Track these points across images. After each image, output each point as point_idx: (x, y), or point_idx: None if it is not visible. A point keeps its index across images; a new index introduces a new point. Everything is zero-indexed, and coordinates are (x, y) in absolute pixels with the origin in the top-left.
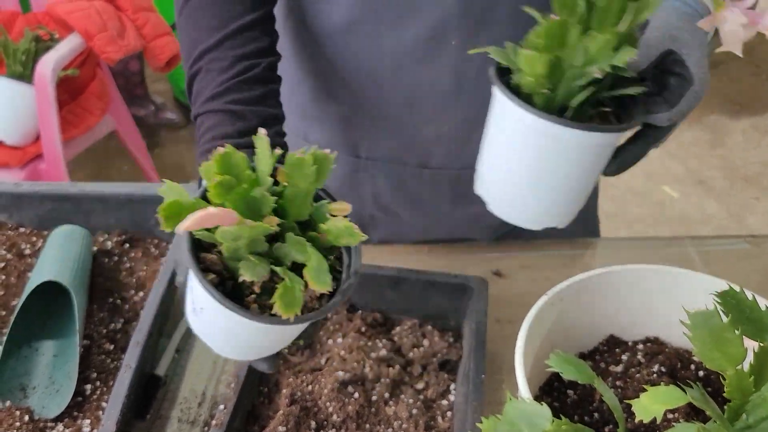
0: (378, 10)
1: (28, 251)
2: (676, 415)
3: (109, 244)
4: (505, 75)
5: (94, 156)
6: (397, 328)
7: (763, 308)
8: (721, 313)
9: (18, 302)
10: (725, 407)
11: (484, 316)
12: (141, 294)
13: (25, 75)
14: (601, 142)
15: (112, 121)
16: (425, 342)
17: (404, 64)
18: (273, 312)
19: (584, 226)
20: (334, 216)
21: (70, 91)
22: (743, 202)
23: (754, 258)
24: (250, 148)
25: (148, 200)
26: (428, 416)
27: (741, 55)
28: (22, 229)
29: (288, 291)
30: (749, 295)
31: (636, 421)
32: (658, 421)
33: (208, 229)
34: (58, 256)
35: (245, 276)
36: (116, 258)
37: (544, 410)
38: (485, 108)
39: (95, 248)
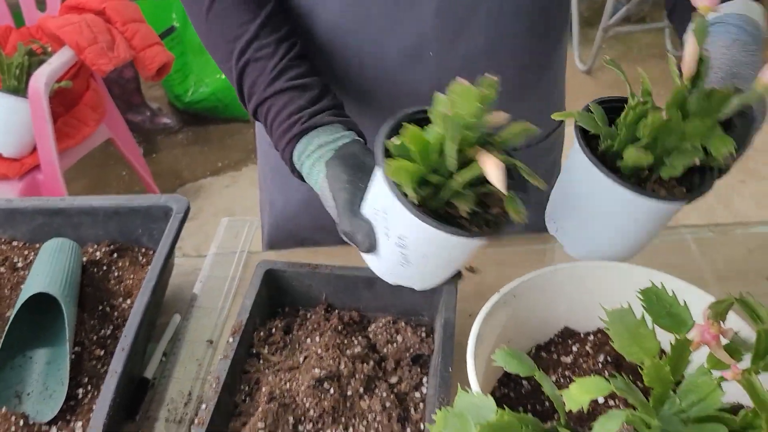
0: (360, 23)
1: (20, 264)
2: (617, 401)
3: (98, 254)
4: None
5: (93, 163)
6: (372, 326)
7: (682, 304)
8: (642, 308)
9: (11, 313)
10: (649, 395)
11: (452, 312)
12: (129, 301)
13: (20, 89)
14: (679, 207)
15: (107, 131)
16: (399, 338)
17: (385, 73)
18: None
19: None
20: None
21: (65, 102)
22: (730, 184)
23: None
24: (325, 111)
25: (134, 212)
26: (401, 409)
27: None
28: (14, 243)
29: (512, 200)
30: (670, 291)
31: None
32: (585, 410)
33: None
34: (49, 269)
35: (463, 207)
36: (105, 268)
37: (490, 402)
38: None
39: (85, 259)
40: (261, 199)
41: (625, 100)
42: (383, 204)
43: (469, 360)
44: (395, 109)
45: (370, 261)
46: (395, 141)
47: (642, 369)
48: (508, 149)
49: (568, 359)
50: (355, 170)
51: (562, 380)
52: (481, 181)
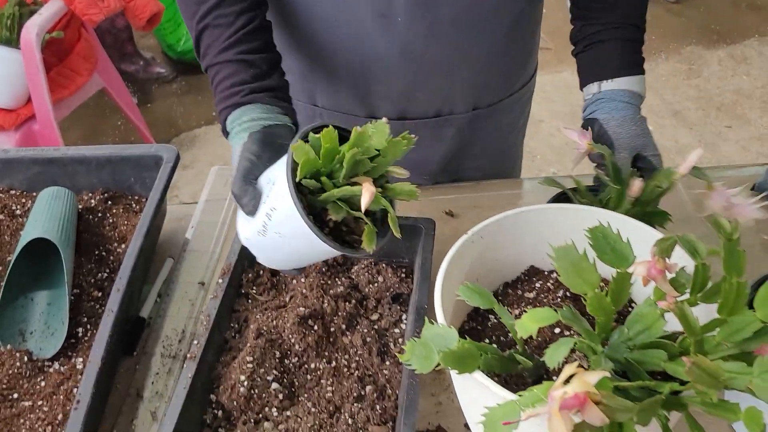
0: None
1: (18, 211)
2: (572, 332)
3: (92, 202)
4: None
5: (89, 113)
6: (355, 267)
7: (625, 241)
8: (588, 246)
9: (11, 258)
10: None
11: (430, 254)
12: (123, 246)
13: (12, 39)
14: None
15: (101, 80)
16: (380, 278)
17: (358, 35)
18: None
19: (512, 167)
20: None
21: (57, 53)
22: (716, 130)
23: None
24: (265, 91)
25: (126, 161)
26: (381, 343)
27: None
28: (12, 192)
29: (370, 232)
30: (615, 229)
31: (522, 337)
32: (535, 337)
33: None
34: (46, 216)
35: (333, 216)
36: (100, 215)
37: (453, 333)
38: (427, 73)
39: (80, 206)
40: None
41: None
42: (275, 174)
43: (436, 295)
44: (366, 73)
45: (241, 222)
46: (317, 135)
47: (585, 300)
48: (390, 198)
49: (531, 295)
50: (268, 148)
51: (524, 312)
52: (357, 208)
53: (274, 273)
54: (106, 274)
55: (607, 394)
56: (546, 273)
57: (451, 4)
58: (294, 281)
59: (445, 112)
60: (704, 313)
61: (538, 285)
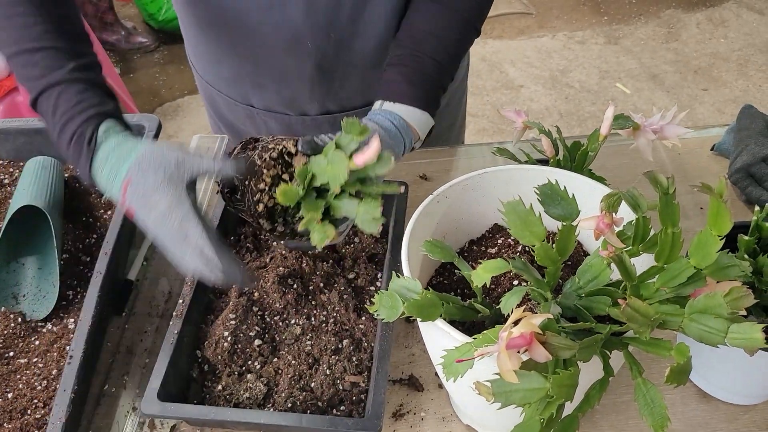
0: (241, 20)
1: (6, 181)
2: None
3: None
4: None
5: None
6: None
7: (570, 196)
8: (536, 201)
9: (2, 226)
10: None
11: (403, 215)
12: (110, 212)
13: None
14: None
15: None
16: (356, 239)
17: (276, 53)
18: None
19: (457, 134)
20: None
21: None
22: (693, 93)
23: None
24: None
25: None
26: (357, 300)
27: (651, 159)
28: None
29: (321, 231)
30: (561, 186)
31: (480, 287)
32: (488, 285)
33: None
34: (34, 184)
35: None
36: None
37: (417, 284)
38: (341, 80)
39: (66, 175)
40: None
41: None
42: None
43: (403, 250)
44: (289, 83)
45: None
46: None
47: (533, 251)
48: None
49: (494, 250)
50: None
51: None
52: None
53: (255, 236)
54: (93, 240)
55: (551, 334)
56: (508, 230)
57: (351, 22)
58: (274, 243)
59: (361, 105)
60: (647, 263)
61: (500, 241)
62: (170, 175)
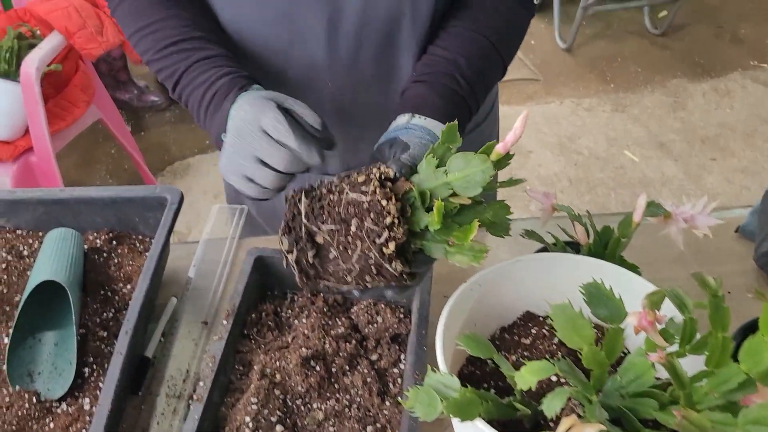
0: (260, 56)
1: (25, 252)
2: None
3: (98, 242)
4: None
5: (82, 140)
6: (355, 308)
7: (617, 298)
8: (582, 302)
9: (21, 299)
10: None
11: (428, 295)
12: (129, 286)
13: (11, 72)
14: None
15: (98, 112)
16: (379, 319)
17: (292, 94)
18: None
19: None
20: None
21: (55, 85)
22: (701, 162)
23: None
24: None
25: (130, 202)
26: (381, 383)
27: (682, 248)
28: (18, 232)
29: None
30: (608, 286)
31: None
32: (533, 389)
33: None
34: (54, 257)
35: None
36: (105, 255)
37: (455, 381)
38: (362, 128)
39: (86, 246)
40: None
41: None
42: None
43: (437, 344)
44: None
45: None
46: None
47: (581, 354)
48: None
49: (528, 341)
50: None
51: (521, 360)
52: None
53: (276, 313)
54: (111, 314)
55: None
56: (541, 318)
57: (375, 63)
58: (296, 321)
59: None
60: (692, 362)
61: (534, 331)
62: (266, 94)
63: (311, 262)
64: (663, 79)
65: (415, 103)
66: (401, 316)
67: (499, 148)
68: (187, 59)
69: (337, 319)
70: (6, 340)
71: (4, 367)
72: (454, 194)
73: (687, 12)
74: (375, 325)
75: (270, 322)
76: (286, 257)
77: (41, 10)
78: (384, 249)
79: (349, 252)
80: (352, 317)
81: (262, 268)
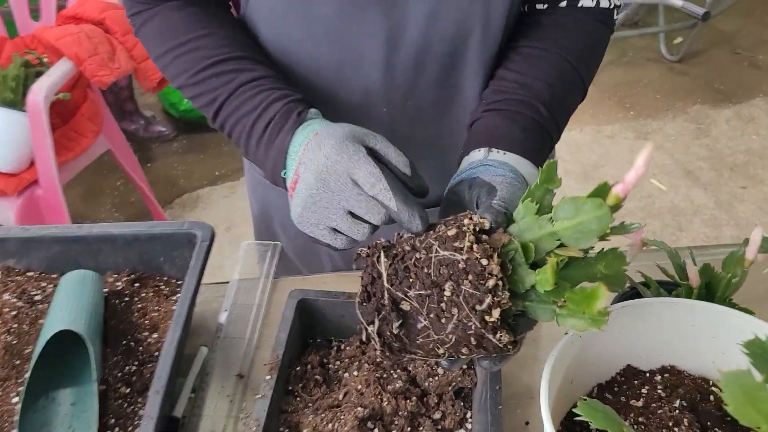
0: (311, 80)
1: (38, 297)
2: None
3: (119, 284)
4: None
5: (88, 172)
6: None
7: None
8: (751, 366)
9: (34, 352)
10: None
11: None
12: (155, 335)
13: (16, 101)
14: None
15: (106, 142)
16: (439, 370)
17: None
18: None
19: None
20: None
21: (62, 114)
22: (731, 191)
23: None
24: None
25: (154, 239)
26: None
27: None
28: (30, 274)
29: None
30: (741, 338)
31: None
32: None
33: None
34: (71, 304)
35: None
36: (127, 299)
37: None
38: (417, 161)
39: (106, 290)
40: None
41: None
42: None
43: (544, 408)
44: None
45: None
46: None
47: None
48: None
49: (639, 403)
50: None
51: (635, 427)
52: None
53: (323, 365)
54: (135, 367)
55: None
56: (647, 374)
57: (433, 90)
58: (346, 374)
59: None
60: None
61: (644, 391)
62: (348, 133)
63: (396, 333)
64: (684, 105)
65: (491, 136)
66: (464, 367)
67: (618, 190)
68: (230, 83)
69: (392, 372)
70: (16, 400)
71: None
72: (561, 245)
73: (702, 38)
74: (436, 377)
75: (317, 376)
76: (366, 329)
77: (50, 36)
78: (486, 317)
79: (443, 321)
80: (409, 369)
81: (305, 313)
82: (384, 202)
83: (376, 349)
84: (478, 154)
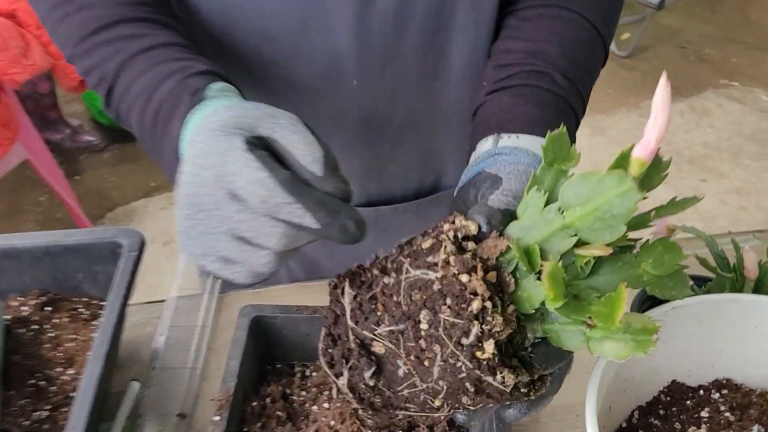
0: (267, 46)
1: None
2: None
3: (25, 309)
4: None
5: (6, 187)
6: None
7: None
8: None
9: None
10: None
11: None
12: (71, 371)
13: None
14: None
15: (23, 150)
16: None
17: (303, 100)
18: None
19: None
20: None
21: None
22: (692, 184)
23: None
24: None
25: (71, 251)
26: None
27: None
28: None
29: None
30: None
31: None
32: None
33: None
34: None
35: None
36: (36, 327)
37: None
38: (394, 145)
39: (8, 317)
40: None
41: None
42: None
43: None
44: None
45: None
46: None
47: None
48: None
49: (702, 431)
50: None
51: None
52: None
53: (285, 397)
54: (46, 413)
55: None
56: (699, 391)
57: (419, 56)
58: (315, 407)
59: (425, 190)
60: None
61: (704, 414)
62: (227, 119)
63: (373, 385)
64: (637, 100)
65: (500, 119)
66: None
67: (639, 153)
68: (120, 52)
69: None
70: None
71: None
72: (580, 243)
73: (649, 34)
74: None
75: (279, 412)
76: (335, 382)
77: None
78: (478, 353)
79: (426, 363)
80: None
81: (261, 333)
82: (291, 219)
83: (355, 409)
84: (485, 145)
